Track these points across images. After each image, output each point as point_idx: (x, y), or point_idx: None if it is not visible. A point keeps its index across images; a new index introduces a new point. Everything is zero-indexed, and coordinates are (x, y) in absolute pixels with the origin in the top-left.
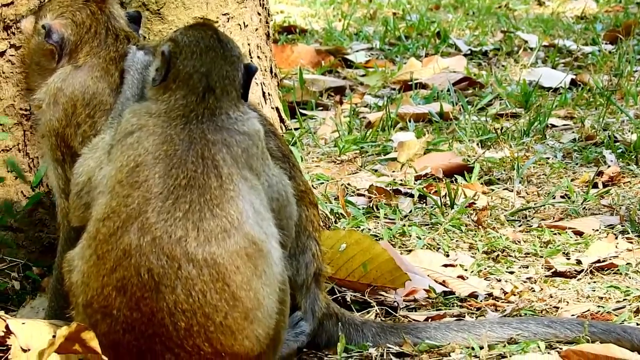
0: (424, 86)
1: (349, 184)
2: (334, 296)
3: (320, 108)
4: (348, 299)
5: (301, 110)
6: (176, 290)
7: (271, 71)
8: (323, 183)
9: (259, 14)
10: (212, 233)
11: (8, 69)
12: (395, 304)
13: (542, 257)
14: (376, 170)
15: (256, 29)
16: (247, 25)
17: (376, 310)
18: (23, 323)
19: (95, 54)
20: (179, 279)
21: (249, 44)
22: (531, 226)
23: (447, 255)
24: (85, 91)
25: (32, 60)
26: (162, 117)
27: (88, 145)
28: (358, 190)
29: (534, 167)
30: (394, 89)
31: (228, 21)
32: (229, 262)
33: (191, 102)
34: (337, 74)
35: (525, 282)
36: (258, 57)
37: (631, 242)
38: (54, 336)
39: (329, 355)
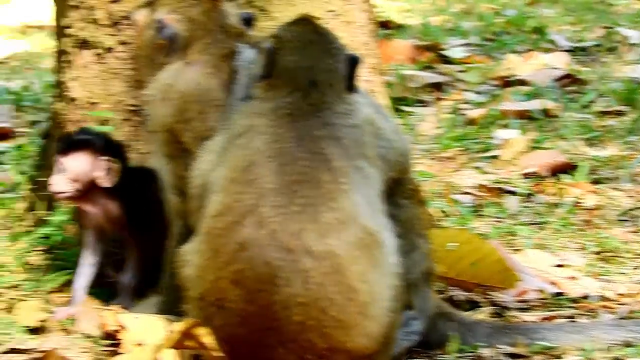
0: (523, 82)
1: (452, 182)
2: (444, 295)
3: (419, 104)
4: (457, 299)
5: (400, 107)
6: (293, 282)
7: (377, 68)
8: (426, 180)
9: (365, 10)
10: (329, 225)
11: (117, 65)
12: (506, 304)
13: None
14: (479, 168)
15: (362, 26)
16: (353, 22)
17: (486, 310)
18: (136, 317)
19: (206, 50)
20: (295, 271)
21: (354, 41)
22: None
23: (557, 256)
24: (196, 87)
25: (144, 54)
26: (270, 116)
27: (202, 148)
28: (462, 188)
29: None
30: (493, 86)
31: (334, 18)
32: (346, 253)
33: (296, 99)
34: (434, 70)
35: (637, 283)
36: (364, 54)
37: None
38: (168, 331)
39: (440, 355)
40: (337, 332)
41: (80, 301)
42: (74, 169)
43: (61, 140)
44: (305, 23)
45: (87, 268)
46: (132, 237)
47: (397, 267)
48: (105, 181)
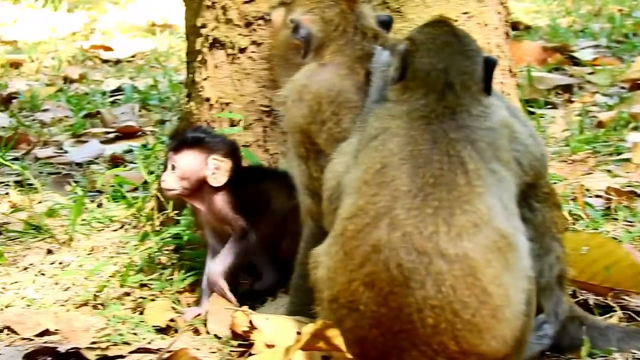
0: None
1: (582, 185)
2: (576, 299)
3: (549, 106)
4: (590, 303)
5: (529, 109)
6: (426, 285)
7: (510, 70)
8: (556, 183)
9: (499, 12)
10: (463, 228)
11: (249, 65)
12: (639, 308)
13: None
14: (610, 171)
15: (496, 28)
16: (487, 25)
17: (619, 315)
18: (267, 318)
19: (341, 52)
20: (429, 274)
21: (488, 43)
22: None
23: None
24: (331, 88)
25: (279, 53)
26: (404, 118)
27: (336, 150)
28: (593, 191)
29: None
30: (624, 88)
31: (468, 20)
32: (481, 256)
33: (431, 102)
34: (563, 72)
35: None
36: (498, 56)
37: None
38: (298, 332)
39: (572, 359)
40: (470, 335)
41: (208, 301)
42: (184, 167)
43: (173, 138)
44: (441, 25)
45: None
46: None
47: (530, 271)
48: (214, 180)
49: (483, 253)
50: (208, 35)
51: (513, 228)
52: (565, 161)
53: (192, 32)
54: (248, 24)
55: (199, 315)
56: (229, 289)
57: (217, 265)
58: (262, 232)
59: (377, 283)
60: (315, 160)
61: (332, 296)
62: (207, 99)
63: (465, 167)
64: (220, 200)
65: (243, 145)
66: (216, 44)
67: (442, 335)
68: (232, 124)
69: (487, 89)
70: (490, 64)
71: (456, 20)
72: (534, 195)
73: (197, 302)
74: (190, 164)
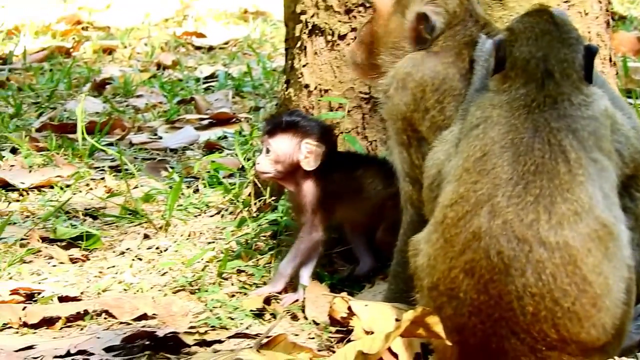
0: None
1: None
2: None
3: None
4: None
5: (625, 99)
6: (526, 273)
7: (610, 60)
8: None
9: (600, 1)
10: (563, 216)
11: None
12: None
13: None
14: None
15: (597, 17)
16: (587, 13)
17: None
18: (366, 305)
19: (452, 40)
20: (529, 262)
21: (589, 32)
22: None
23: None
24: (435, 77)
25: (387, 41)
26: (505, 107)
27: (438, 138)
28: None
29: None
30: None
31: (569, 8)
32: (581, 244)
33: (531, 91)
34: None
35: None
36: (598, 45)
37: None
38: (397, 319)
39: None
40: (570, 323)
41: (305, 287)
42: (278, 151)
43: (268, 121)
44: (541, 14)
45: (306, 252)
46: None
47: (630, 260)
48: (306, 164)
49: (583, 242)
50: (307, 22)
51: (613, 217)
52: None
53: (291, 18)
54: (348, 11)
55: (296, 301)
56: (327, 275)
57: (284, 267)
58: (354, 219)
59: (477, 271)
60: (417, 148)
61: (432, 283)
62: (306, 86)
63: (566, 156)
64: (310, 186)
65: (342, 133)
66: (315, 30)
67: (542, 323)
68: (333, 110)
69: (588, 77)
70: (591, 52)
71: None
72: (634, 185)
73: (295, 289)
74: (284, 147)
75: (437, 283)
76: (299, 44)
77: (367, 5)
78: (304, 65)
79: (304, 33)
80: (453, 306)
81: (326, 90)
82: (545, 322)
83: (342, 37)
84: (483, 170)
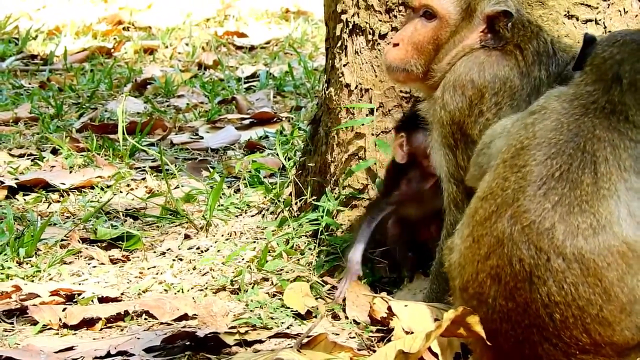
0: None
1: None
2: None
3: None
4: None
5: None
6: (547, 282)
7: None
8: None
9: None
10: (578, 228)
11: None
12: None
13: None
14: None
15: (636, 15)
16: (627, 12)
17: None
18: (405, 305)
19: (517, 36)
20: (549, 271)
21: None
22: None
23: None
24: (498, 80)
25: (451, 46)
26: (565, 102)
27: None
28: None
29: None
30: None
31: (608, 7)
32: (599, 258)
33: (597, 91)
34: None
35: None
36: None
37: None
38: (436, 319)
39: None
40: (601, 328)
41: (355, 274)
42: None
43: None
44: None
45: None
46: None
47: None
48: (399, 157)
49: (602, 256)
50: (348, 21)
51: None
52: None
53: (332, 17)
54: (388, 10)
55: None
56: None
57: (353, 253)
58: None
59: (502, 277)
60: (464, 150)
61: (463, 285)
62: (347, 85)
63: (595, 167)
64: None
65: (382, 132)
66: (356, 29)
67: (572, 329)
68: (372, 110)
69: None
70: None
71: (596, 7)
72: None
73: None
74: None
75: (466, 285)
76: (339, 44)
77: (407, 4)
78: (344, 65)
79: (345, 32)
80: (484, 311)
81: (367, 90)
82: (575, 328)
83: (382, 37)
84: (515, 165)
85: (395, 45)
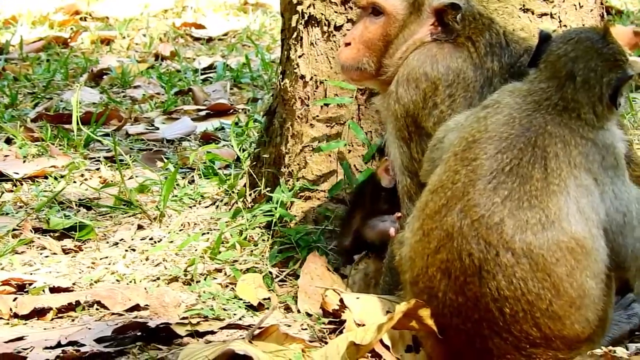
0: None
1: None
2: None
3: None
4: None
5: None
6: (497, 276)
7: None
8: None
9: None
10: (527, 223)
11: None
12: None
13: None
14: None
15: (591, 10)
16: (582, 6)
17: None
18: (357, 298)
19: (467, 29)
20: (498, 265)
21: (583, 25)
22: None
23: None
24: (451, 72)
25: (401, 41)
26: (519, 97)
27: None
28: None
29: None
30: None
31: (564, 1)
32: (548, 253)
33: (550, 88)
34: None
35: None
36: None
37: None
38: (388, 311)
39: None
40: (551, 322)
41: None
42: None
43: None
44: (599, 28)
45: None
46: None
47: (609, 267)
48: (385, 182)
49: (551, 251)
50: (304, 12)
51: (589, 233)
52: None
53: (288, 8)
54: (344, 2)
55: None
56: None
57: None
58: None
59: (452, 271)
60: (418, 143)
61: (413, 279)
62: (302, 77)
63: (546, 163)
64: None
65: (336, 124)
66: (312, 21)
67: (522, 323)
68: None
69: (612, 102)
70: (621, 78)
71: (552, 1)
72: None
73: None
74: None
75: (417, 279)
76: (295, 35)
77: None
78: (299, 56)
79: (300, 24)
80: (434, 305)
81: (322, 81)
82: (525, 322)
83: (338, 28)
84: (465, 158)
85: (347, 44)
